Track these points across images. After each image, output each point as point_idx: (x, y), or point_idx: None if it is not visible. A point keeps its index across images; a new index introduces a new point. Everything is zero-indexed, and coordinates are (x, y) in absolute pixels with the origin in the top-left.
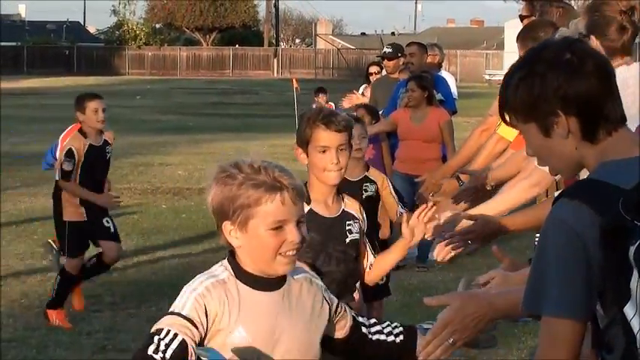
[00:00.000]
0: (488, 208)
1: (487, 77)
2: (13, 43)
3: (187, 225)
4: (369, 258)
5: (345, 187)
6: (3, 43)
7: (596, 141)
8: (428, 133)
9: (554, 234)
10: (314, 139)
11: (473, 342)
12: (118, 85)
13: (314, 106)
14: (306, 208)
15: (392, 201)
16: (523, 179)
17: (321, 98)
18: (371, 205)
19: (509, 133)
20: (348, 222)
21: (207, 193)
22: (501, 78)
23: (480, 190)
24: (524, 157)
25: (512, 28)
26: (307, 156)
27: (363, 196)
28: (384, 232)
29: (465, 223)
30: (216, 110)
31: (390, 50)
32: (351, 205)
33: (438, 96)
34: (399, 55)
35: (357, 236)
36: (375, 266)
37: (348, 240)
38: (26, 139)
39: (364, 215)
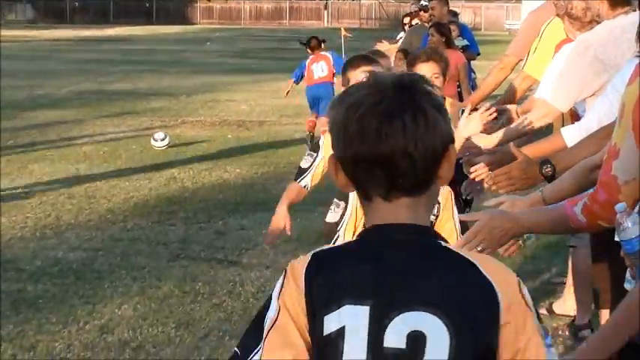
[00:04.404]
0: (476, 98)
1: (507, 27)
2: None
3: (249, 152)
4: None
5: None
6: None
7: None
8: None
9: None
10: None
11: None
12: (191, 33)
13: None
14: None
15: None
16: (532, 112)
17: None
18: None
19: (534, 71)
20: None
21: None
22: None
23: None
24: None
25: None
26: None
27: None
28: None
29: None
30: (274, 54)
31: (426, 3)
32: None
33: (464, 41)
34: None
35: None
36: None
37: None
38: (111, 79)
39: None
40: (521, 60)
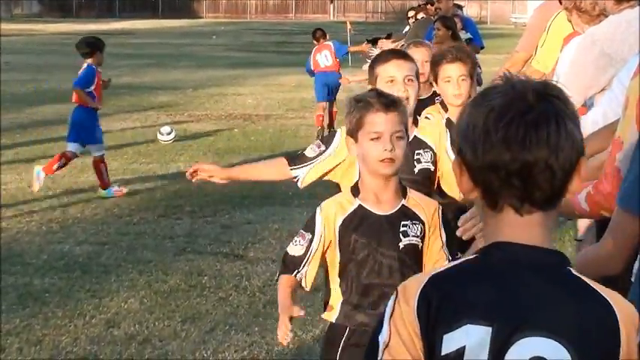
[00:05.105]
0: None
1: (513, 20)
2: None
3: (255, 146)
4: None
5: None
6: None
7: None
8: None
9: None
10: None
11: None
12: (197, 26)
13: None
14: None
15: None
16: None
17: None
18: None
19: (542, 65)
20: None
21: None
22: (525, 21)
23: None
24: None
25: None
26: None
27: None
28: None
29: None
30: (280, 48)
31: None
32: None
33: (468, 34)
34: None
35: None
36: None
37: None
38: (118, 72)
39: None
40: (531, 56)
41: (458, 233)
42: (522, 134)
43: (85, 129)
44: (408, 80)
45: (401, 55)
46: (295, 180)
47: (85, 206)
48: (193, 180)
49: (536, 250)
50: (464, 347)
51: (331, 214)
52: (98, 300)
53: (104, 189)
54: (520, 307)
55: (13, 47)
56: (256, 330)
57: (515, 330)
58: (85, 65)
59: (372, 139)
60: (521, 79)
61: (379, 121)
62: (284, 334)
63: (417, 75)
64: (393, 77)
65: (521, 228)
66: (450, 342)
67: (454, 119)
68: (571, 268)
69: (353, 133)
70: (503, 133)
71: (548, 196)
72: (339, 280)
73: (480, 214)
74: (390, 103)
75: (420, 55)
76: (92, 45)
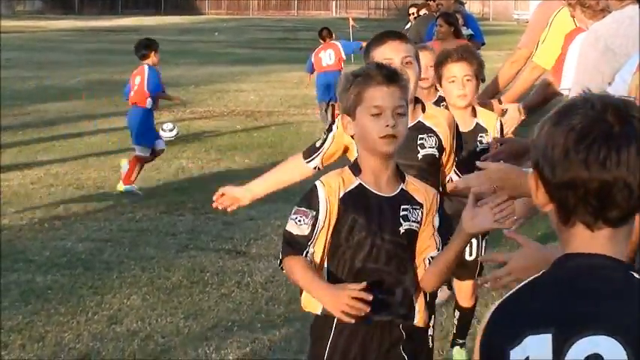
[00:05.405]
0: (489, 91)
1: (516, 17)
2: None
3: (258, 143)
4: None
5: None
6: None
7: None
8: None
9: None
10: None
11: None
12: (199, 23)
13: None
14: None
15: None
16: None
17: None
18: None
19: (543, 61)
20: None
21: None
22: (528, 18)
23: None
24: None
25: None
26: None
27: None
28: None
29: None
30: (283, 45)
31: None
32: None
33: (469, 31)
34: None
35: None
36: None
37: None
38: (120, 69)
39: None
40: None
41: (448, 188)
42: (603, 156)
43: (141, 132)
44: (407, 63)
45: (396, 35)
46: (315, 169)
47: (87, 203)
48: (228, 210)
49: (601, 258)
50: (527, 358)
51: (334, 188)
52: (100, 297)
53: (125, 184)
54: (579, 309)
55: (15, 44)
56: (258, 326)
57: (574, 331)
58: (146, 68)
59: (372, 115)
60: (599, 96)
61: (380, 96)
62: (363, 306)
63: (417, 57)
64: (390, 59)
65: (590, 241)
66: (516, 356)
67: (459, 124)
68: (634, 273)
69: (350, 111)
70: (585, 154)
71: (624, 215)
72: (326, 264)
73: (555, 227)
74: (391, 76)
75: (424, 59)
76: (148, 47)
